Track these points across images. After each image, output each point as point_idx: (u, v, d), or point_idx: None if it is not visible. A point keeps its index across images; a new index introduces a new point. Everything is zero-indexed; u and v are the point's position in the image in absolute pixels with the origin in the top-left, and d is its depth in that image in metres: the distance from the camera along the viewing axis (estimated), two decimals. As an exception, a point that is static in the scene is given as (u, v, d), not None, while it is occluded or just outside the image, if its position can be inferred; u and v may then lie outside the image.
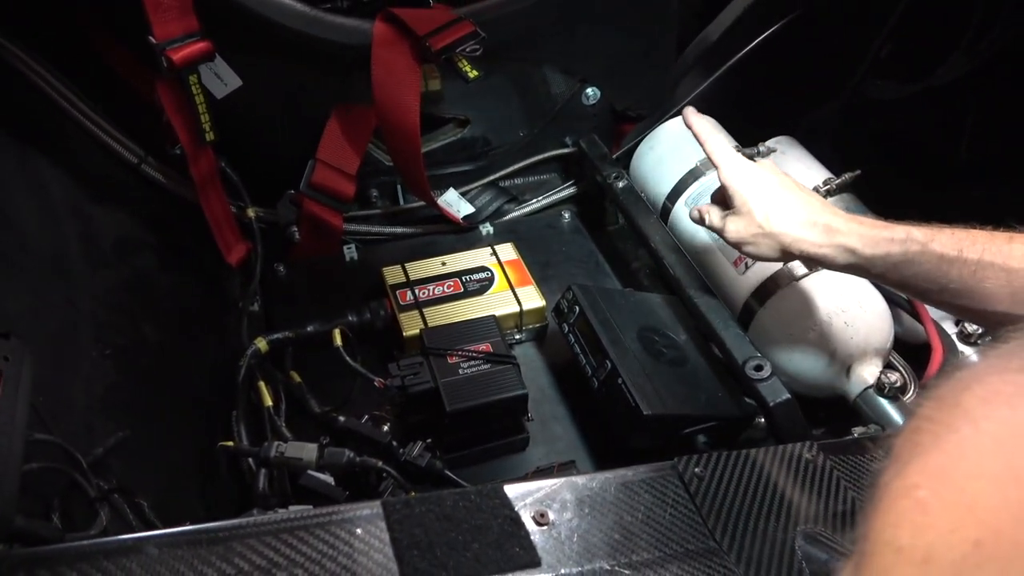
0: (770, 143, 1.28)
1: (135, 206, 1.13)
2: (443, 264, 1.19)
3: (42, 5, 1.02)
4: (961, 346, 1.05)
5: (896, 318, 1.07)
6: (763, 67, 1.41)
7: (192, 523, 0.63)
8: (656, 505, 0.71)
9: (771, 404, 0.91)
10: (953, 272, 0.76)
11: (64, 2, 1.05)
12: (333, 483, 0.89)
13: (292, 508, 0.84)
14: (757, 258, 0.91)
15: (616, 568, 0.65)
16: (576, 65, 1.32)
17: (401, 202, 1.37)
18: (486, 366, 0.98)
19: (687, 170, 1.22)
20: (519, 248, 1.23)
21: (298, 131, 1.22)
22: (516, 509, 0.68)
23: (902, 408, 0.98)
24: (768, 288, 1.06)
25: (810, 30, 1.39)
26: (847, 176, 1.19)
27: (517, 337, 1.15)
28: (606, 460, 0.99)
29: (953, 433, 0.27)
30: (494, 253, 1.21)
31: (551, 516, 0.69)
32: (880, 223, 0.82)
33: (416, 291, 1.14)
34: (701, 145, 0.97)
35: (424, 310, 1.11)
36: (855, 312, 1.01)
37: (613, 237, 1.40)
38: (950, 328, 1.06)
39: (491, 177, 1.40)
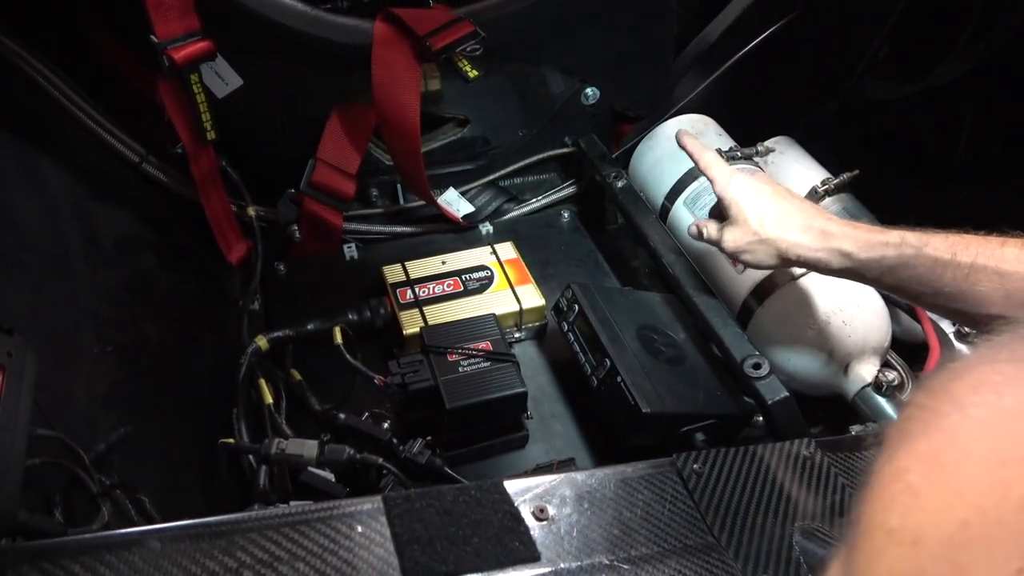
0: (768, 143, 1.29)
1: (136, 205, 1.14)
2: (443, 263, 1.19)
3: (43, 4, 1.03)
4: (958, 345, 1.05)
5: (894, 317, 1.07)
6: (762, 67, 1.42)
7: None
8: (655, 501, 0.72)
9: (769, 402, 0.91)
10: (947, 275, 0.77)
11: (65, 1, 1.05)
12: (333, 480, 0.89)
13: (293, 504, 0.85)
14: (755, 266, 0.92)
15: (615, 563, 0.65)
16: (576, 65, 1.33)
17: (401, 201, 1.37)
18: (486, 364, 0.98)
19: (686, 170, 1.23)
20: (519, 247, 1.23)
21: (298, 130, 1.22)
22: (516, 504, 0.69)
23: (899, 406, 0.98)
24: (766, 287, 1.07)
25: (809, 30, 1.39)
26: (845, 176, 1.20)
27: (517, 335, 1.15)
28: (605, 458, 1.00)
29: (942, 419, 0.28)
30: (494, 252, 1.21)
31: (551, 511, 0.69)
32: (874, 228, 0.83)
33: (416, 290, 1.14)
34: (695, 163, 0.99)
35: (424, 308, 1.11)
36: (853, 311, 1.02)
37: (612, 236, 1.40)
38: (947, 327, 1.07)
39: (491, 176, 1.40)
